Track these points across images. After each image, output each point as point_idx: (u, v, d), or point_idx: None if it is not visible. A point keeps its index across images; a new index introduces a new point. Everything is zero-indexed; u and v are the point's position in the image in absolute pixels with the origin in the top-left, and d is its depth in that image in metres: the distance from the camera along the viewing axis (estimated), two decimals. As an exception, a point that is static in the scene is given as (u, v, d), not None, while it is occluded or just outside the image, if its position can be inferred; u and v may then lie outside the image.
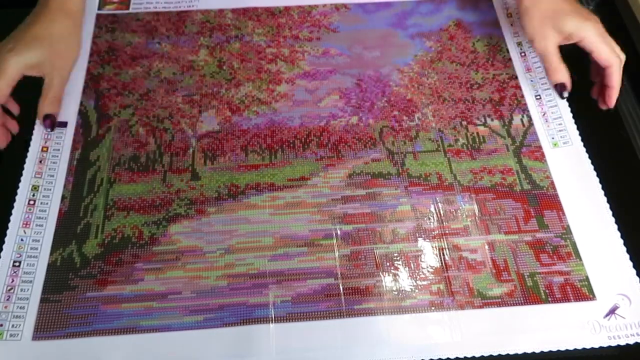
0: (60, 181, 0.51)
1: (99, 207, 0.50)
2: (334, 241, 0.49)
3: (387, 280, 0.47)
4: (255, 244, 0.48)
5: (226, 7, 0.64)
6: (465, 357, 0.43)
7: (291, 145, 0.54)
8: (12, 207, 0.49)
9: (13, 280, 0.46)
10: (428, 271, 0.47)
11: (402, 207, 0.51)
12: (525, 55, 0.60)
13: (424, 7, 0.65)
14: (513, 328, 0.44)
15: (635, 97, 0.58)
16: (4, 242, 0.47)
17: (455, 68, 0.60)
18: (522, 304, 0.45)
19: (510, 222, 0.50)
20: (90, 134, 0.55)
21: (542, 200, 0.51)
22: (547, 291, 0.46)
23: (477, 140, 0.55)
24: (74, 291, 0.46)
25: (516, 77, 0.59)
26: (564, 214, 0.50)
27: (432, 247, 0.48)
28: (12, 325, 0.44)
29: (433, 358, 0.43)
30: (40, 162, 0.52)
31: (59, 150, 0.53)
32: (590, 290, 0.46)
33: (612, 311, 0.45)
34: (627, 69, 0.52)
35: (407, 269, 0.47)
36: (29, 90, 0.54)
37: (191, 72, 0.59)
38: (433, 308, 0.45)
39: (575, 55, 0.54)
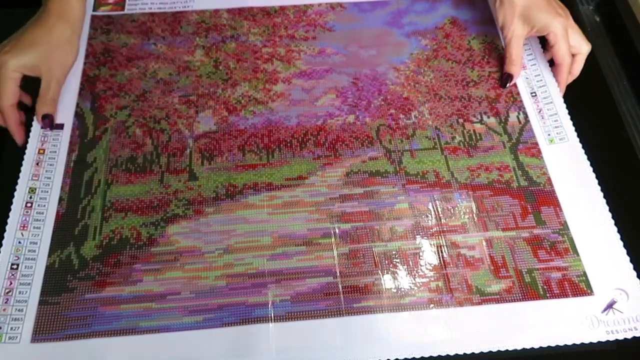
0: (58, 183, 0.51)
1: (96, 208, 0.50)
2: (333, 240, 0.49)
3: (385, 278, 0.47)
4: (254, 244, 0.48)
5: (221, 7, 0.64)
6: (464, 354, 0.43)
7: (288, 144, 0.54)
8: (9, 209, 0.49)
9: (11, 283, 0.45)
10: (426, 269, 0.47)
11: (400, 205, 0.51)
12: (520, 52, 0.61)
13: (419, 5, 0.65)
14: (512, 324, 0.45)
15: (635, 97, 0.58)
16: (1, 245, 0.47)
17: (451, 66, 0.60)
18: (520, 300, 0.46)
19: (508, 219, 0.50)
20: (87, 135, 0.55)
21: (539, 197, 0.51)
22: (545, 287, 0.46)
23: (473, 137, 0.55)
24: (72, 293, 0.46)
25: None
26: (561, 210, 0.50)
27: (430, 244, 0.48)
28: (11, 328, 0.43)
29: (432, 355, 0.43)
30: (37, 164, 0.52)
31: (55, 152, 0.53)
32: (588, 286, 0.46)
33: (610, 306, 0.45)
34: (627, 69, 0.53)
35: (405, 266, 0.47)
36: (25, 91, 0.54)
37: (187, 73, 0.59)
38: (432, 305, 0.45)
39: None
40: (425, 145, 0.55)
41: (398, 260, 0.48)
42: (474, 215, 0.50)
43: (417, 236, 0.49)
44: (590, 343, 0.44)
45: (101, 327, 0.44)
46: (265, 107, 0.57)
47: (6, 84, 0.51)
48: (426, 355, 0.43)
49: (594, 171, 0.51)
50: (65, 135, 0.54)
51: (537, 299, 0.46)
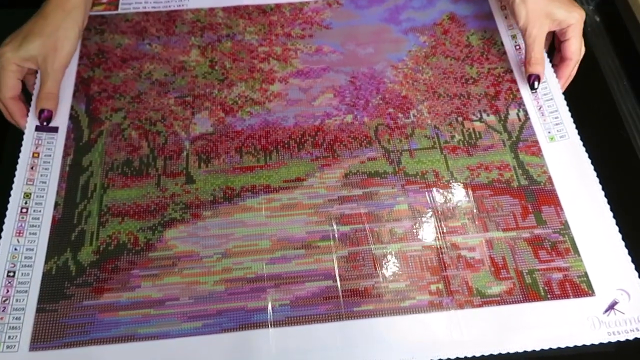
0: (53, 188, 0.51)
1: (93, 213, 0.50)
2: (332, 243, 0.48)
3: (385, 281, 0.46)
4: (252, 248, 0.48)
5: (217, 6, 0.63)
6: (465, 357, 0.43)
7: (286, 145, 0.54)
8: (5, 215, 0.48)
9: (8, 291, 0.45)
10: (427, 271, 0.47)
11: (399, 206, 0.50)
12: (519, 48, 0.60)
13: (416, 1, 0.64)
14: (513, 326, 0.44)
15: (635, 97, 0.57)
16: (-3, 252, 0.47)
17: (449, 63, 0.59)
18: (521, 302, 0.45)
19: (508, 219, 0.49)
20: (82, 138, 0.54)
21: (539, 196, 0.51)
22: (546, 288, 0.46)
23: (473, 136, 0.54)
24: (70, 300, 0.45)
25: (511, 71, 0.59)
26: (561, 209, 0.50)
27: (430, 246, 0.48)
28: (9, 337, 0.43)
29: (433, 358, 0.43)
30: (32, 168, 0.52)
31: (50, 156, 0.53)
32: (589, 286, 0.46)
33: (612, 307, 0.45)
34: (627, 69, 0.52)
35: (405, 269, 0.47)
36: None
37: (183, 73, 0.58)
38: (432, 308, 0.45)
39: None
40: (424, 145, 0.54)
41: (398, 263, 0.47)
42: (474, 215, 0.50)
43: (416, 238, 0.48)
44: (592, 345, 0.43)
45: (100, 334, 0.44)
46: (262, 107, 0.56)
47: (5, 76, 0.51)
48: (427, 359, 0.43)
49: (595, 169, 0.51)
50: (60, 138, 0.54)
51: (538, 300, 0.45)
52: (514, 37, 0.61)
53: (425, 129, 0.55)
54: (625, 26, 0.61)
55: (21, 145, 0.52)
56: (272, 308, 0.45)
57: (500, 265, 0.47)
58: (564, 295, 0.46)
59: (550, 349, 0.43)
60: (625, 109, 0.56)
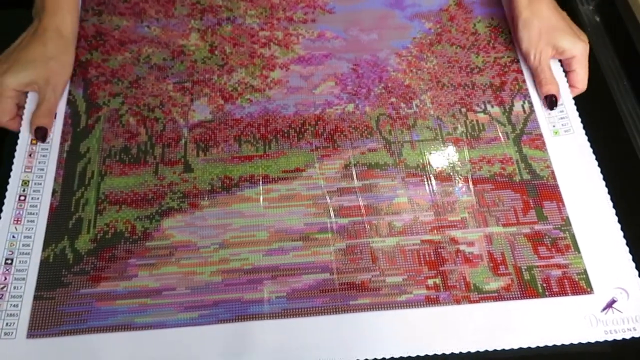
0: (51, 175, 0.50)
1: (90, 201, 0.49)
2: (329, 235, 0.48)
3: (382, 275, 0.46)
4: (250, 239, 0.48)
5: (217, -12, 0.61)
6: (461, 353, 0.43)
7: (285, 135, 0.53)
8: (3, 203, 0.48)
9: (5, 278, 0.45)
10: (424, 265, 0.47)
11: (399, 199, 0.50)
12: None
13: (423, -15, 0.62)
14: (509, 323, 0.44)
15: (635, 97, 0.57)
16: (-5, 239, 0.47)
17: (455, 51, 0.58)
18: (518, 299, 0.45)
19: (509, 214, 0.49)
20: (80, 124, 0.53)
21: (541, 191, 0.50)
22: (544, 285, 0.46)
23: (476, 128, 0.53)
24: (67, 288, 0.45)
25: (517, 61, 0.57)
26: (563, 205, 0.49)
27: (429, 240, 0.48)
28: (6, 324, 0.43)
29: (428, 354, 0.43)
30: (30, 155, 0.51)
31: (48, 142, 0.52)
32: (588, 284, 0.46)
33: (610, 305, 0.45)
34: (627, 69, 0.51)
35: (403, 263, 0.47)
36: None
37: (182, 58, 0.57)
38: (429, 303, 0.45)
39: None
40: (426, 137, 0.53)
41: (396, 257, 0.47)
42: (474, 210, 0.49)
43: (415, 232, 0.48)
44: (588, 343, 0.43)
45: (96, 322, 0.44)
46: (262, 94, 0.55)
47: (3, 102, 0.51)
48: (422, 354, 0.43)
49: (598, 165, 0.50)
50: (57, 124, 0.53)
51: (535, 297, 0.45)
52: (522, 24, 0.59)
53: (428, 120, 0.54)
54: (625, 26, 0.60)
55: (19, 132, 0.52)
56: (269, 300, 0.45)
57: (499, 261, 0.47)
58: (562, 292, 0.45)
59: (546, 346, 0.43)
60: (625, 109, 0.56)
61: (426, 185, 0.50)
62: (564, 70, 0.55)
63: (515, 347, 0.43)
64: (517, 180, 0.50)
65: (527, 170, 0.51)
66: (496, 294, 0.45)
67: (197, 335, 0.44)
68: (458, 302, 0.45)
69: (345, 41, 0.59)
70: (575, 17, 0.55)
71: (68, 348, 0.43)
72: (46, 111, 0.52)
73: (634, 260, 0.46)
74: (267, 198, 0.50)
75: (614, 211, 0.48)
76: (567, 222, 0.48)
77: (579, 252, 0.47)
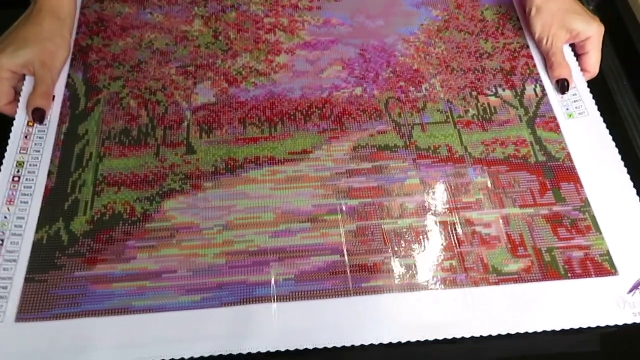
0: (47, 156, 0.48)
1: (87, 182, 0.47)
2: (339, 216, 0.46)
3: (395, 257, 0.44)
4: (255, 220, 0.45)
5: (221, -24, 0.61)
6: (480, 336, 0.40)
7: (292, 117, 0.51)
8: (-5, 183, 0.46)
9: (-5, 259, 0.42)
10: (439, 247, 0.44)
11: (411, 180, 0.48)
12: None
13: (429, -26, 0.62)
14: (531, 305, 0.42)
15: (635, 97, 0.56)
16: (-15, 220, 0.44)
17: (463, 37, 0.57)
18: (540, 280, 0.43)
19: (525, 195, 0.47)
20: (78, 106, 0.51)
21: (558, 173, 0.48)
22: (566, 266, 0.43)
23: (488, 111, 0.52)
24: (61, 270, 0.43)
25: (527, 47, 0.56)
26: (581, 186, 0.47)
27: (443, 221, 0.45)
28: (-5, 307, 0.41)
29: (447, 337, 0.40)
30: (26, 137, 0.49)
31: (45, 124, 0.50)
32: (612, 265, 0.43)
33: (636, 286, 0.42)
34: (627, 69, 0.51)
35: (416, 244, 0.44)
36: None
37: (185, 43, 0.56)
38: (445, 285, 0.42)
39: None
40: (436, 119, 0.51)
41: (409, 238, 0.45)
42: (489, 191, 0.47)
43: (428, 213, 0.46)
44: (616, 326, 0.41)
45: (91, 306, 0.41)
46: (267, 78, 0.54)
47: (0, 84, 0.49)
48: (440, 338, 0.40)
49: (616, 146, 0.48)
50: (55, 106, 0.51)
51: (557, 279, 0.43)
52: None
53: (438, 103, 0.52)
54: (625, 26, 0.60)
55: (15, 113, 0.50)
56: (276, 282, 0.42)
57: (518, 243, 0.44)
58: (586, 274, 0.43)
59: (572, 329, 0.40)
60: (625, 109, 0.55)
61: (438, 166, 0.48)
62: (576, 54, 0.54)
63: (539, 330, 0.40)
64: (533, 162, 0.49)
65: (542, 152, 0.49)
66: (516, 276, 0.43)
67: (199, 319, 0.41)
68: (476, 284, 0.43)
69: (351, 27, 0.58)
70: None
71: (60, 332, 0.40)
72: (43, 93, 0.50)
73: (659, 240, 0.44)
74: (273, 179, 0.48)
75: (634, 191, 0.46)
76: (586, 203, 0.46)
77: (601, 233, 0.45)
